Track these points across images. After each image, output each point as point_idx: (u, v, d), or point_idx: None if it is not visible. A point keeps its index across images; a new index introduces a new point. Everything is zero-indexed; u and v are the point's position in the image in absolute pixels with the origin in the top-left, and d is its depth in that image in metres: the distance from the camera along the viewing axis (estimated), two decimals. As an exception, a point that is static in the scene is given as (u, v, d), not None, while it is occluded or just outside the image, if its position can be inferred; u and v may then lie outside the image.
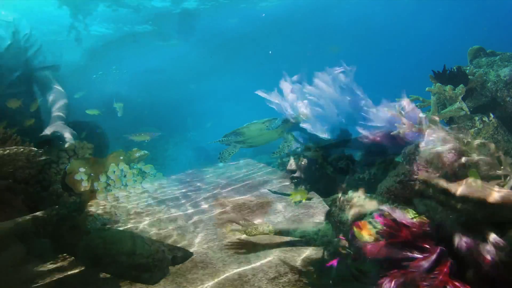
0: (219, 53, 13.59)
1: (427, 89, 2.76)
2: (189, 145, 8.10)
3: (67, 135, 2.04)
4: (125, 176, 1.83)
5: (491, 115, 2.75)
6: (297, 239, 1.99)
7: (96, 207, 2.63)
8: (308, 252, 1.94)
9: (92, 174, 1.77)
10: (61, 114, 2.48)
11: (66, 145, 1.96)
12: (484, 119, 2.75)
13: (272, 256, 1.89)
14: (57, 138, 2.02)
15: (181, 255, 1.94)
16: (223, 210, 2.81)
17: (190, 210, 2.90)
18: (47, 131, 2.11)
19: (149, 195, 3.47)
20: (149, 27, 10.82)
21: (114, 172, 1.81)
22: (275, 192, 3.20)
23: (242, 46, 14.10)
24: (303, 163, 2.11)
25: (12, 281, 1.66)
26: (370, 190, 1.78)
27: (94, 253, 1.75)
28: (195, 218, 2.68)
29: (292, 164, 2.16)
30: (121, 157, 1.89)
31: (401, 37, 23.27)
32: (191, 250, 2.06)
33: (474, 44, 3.28)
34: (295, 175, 2.13)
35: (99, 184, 1.76)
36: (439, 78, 2.87)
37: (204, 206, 2.99)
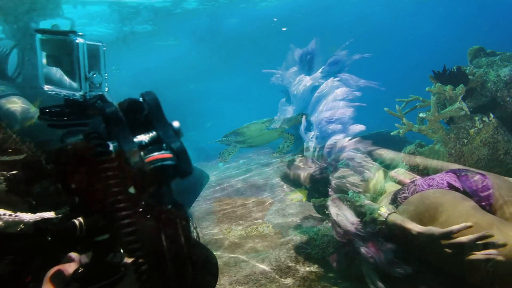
0: (219, 53, 13.59)
1: (427, 89, 2.75)
2: (189, 145, 8.06)
3: None
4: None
5: (491, 115, 2.75)
6: None
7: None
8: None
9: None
10: None
11: None
12: (484, 119, 2.75)
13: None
14: None
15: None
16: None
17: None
18: None
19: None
20: (149, 27, 10.82)
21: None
22: None
23: (242, 46, 14.09)
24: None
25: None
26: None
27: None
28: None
29: None
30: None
31: (401, 37, 23.22)
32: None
33: (474, 44, 3.27)
34: None
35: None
36: (439, 78, 2.87)
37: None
